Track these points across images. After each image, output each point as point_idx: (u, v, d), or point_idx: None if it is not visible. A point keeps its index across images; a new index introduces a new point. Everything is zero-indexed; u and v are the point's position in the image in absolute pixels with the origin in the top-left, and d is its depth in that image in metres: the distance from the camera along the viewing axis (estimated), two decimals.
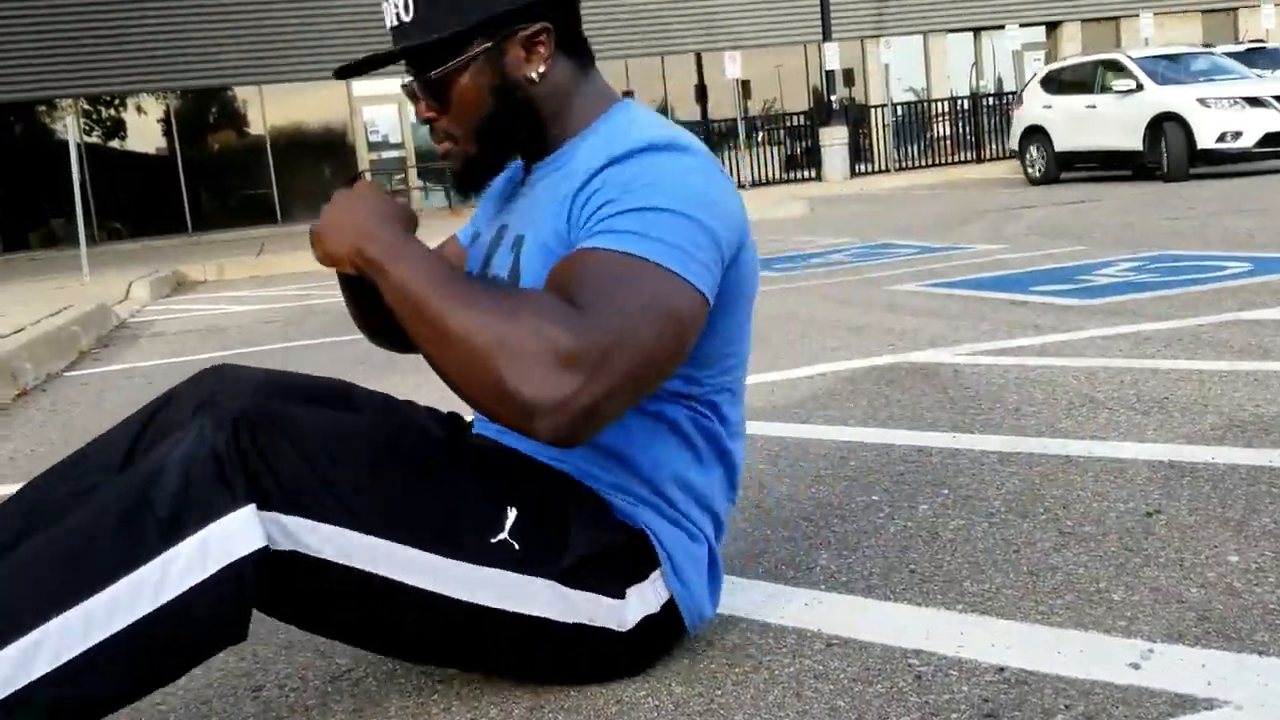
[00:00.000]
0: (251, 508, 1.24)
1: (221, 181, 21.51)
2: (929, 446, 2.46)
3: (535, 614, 1.37)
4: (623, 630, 1.43)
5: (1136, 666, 1.42)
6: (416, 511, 1.33)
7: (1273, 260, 5.18)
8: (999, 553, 1.85)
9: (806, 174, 19.49)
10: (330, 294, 8.04)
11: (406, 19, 1.39)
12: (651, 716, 1.41)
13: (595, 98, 1.48)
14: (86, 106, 20.71)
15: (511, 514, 1.36)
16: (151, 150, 21.15)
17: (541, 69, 1.42)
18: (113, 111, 21.09)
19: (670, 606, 1.48)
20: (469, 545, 1.33)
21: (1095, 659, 1.45)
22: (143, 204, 20.95)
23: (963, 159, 19.79)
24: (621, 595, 1.42)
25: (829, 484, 2.27)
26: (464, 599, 1.34)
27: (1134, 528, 1.89)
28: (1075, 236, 7.36)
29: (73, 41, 19.71)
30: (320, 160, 21.70)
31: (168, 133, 20.98)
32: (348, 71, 1.46)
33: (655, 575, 1.45)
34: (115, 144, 21.23)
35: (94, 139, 20.77)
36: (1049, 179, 14.54)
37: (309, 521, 1.27)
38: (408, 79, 1.45)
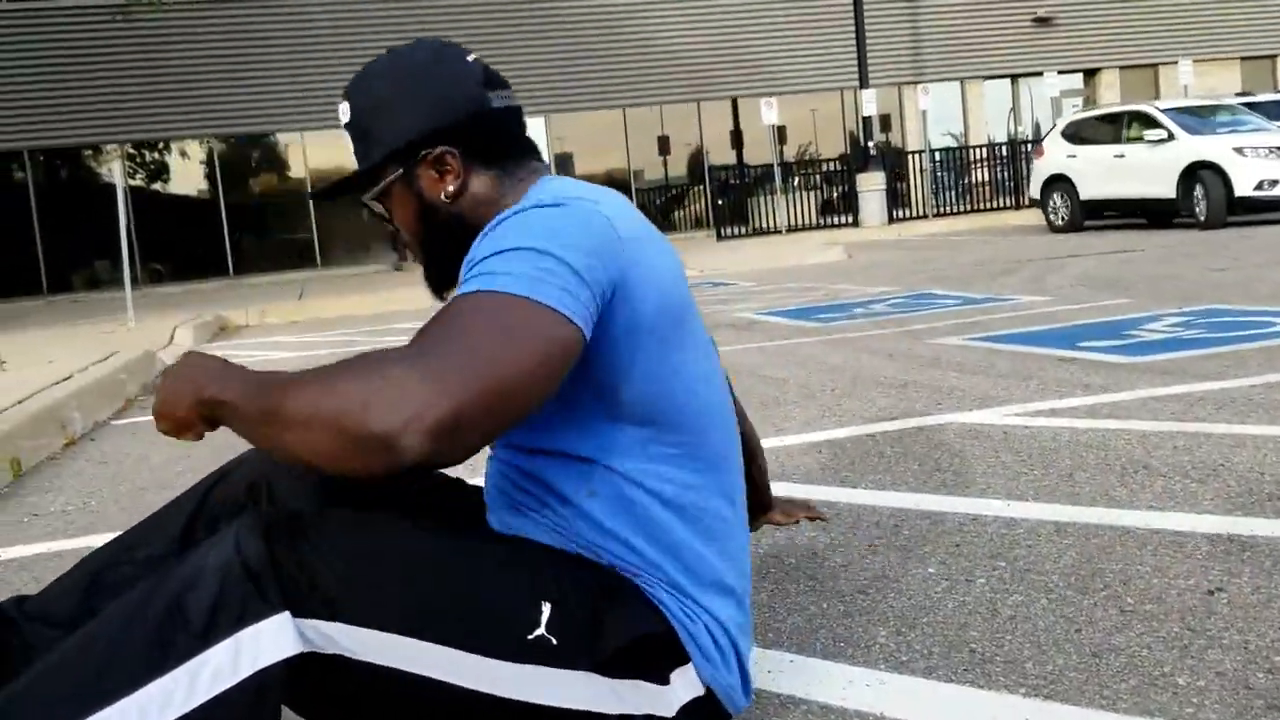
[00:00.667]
0: (286, 615, 1.24)
1: (263, 225, 21.84)
2: (983, 515, 2.44)
3: (578, 707, 1.36)
4: (669, 716, 1.41)
5: None
6: (452, 611, 1.32)
7: None
8: (1060, 631, 1.82)
9: (843, 219, 19.50)
10: (372, 338, 8.11)
11: (351, 151, 1.58)
12: None
13: (519, 191, 1.51)
14: (131, 151, 21.12)
15: (546, 609, 1.35)
16: (194, 194, 21.52)
17: (452, 187, 1.51)
18: (157, 155, 21.51)
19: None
20: (507, 643, 1.33)
21: None
22: (186, 247, 21.28)
23: (1001, 205, 19.73)
24: (665, 680, 1.41)
25: (883, 554, 2.25)
26: (505, 696, 1.33)
27: (1196, 606, 1.86)
28: (1121, 288, 7.31)
29: (119, 88, 20.13)
30: (360, 205, 21.94)
31: (210, 177, 21.34)
32: (319, 195, 1.61)
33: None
34: (159, 187, 21.64)
35: (138, 182, 21.18)
36: (1072, 227, 14.76)
37: (345, 626, 1.27)
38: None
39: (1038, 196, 15.40)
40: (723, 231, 19.14)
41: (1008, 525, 2.35)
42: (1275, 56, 24.38)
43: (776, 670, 1.77)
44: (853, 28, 19.27)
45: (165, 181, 21.70)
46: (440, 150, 1.50)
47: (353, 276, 19.00)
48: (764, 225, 19.32)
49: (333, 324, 10.31)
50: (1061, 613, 1.89)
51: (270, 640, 1.23)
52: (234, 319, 11.86)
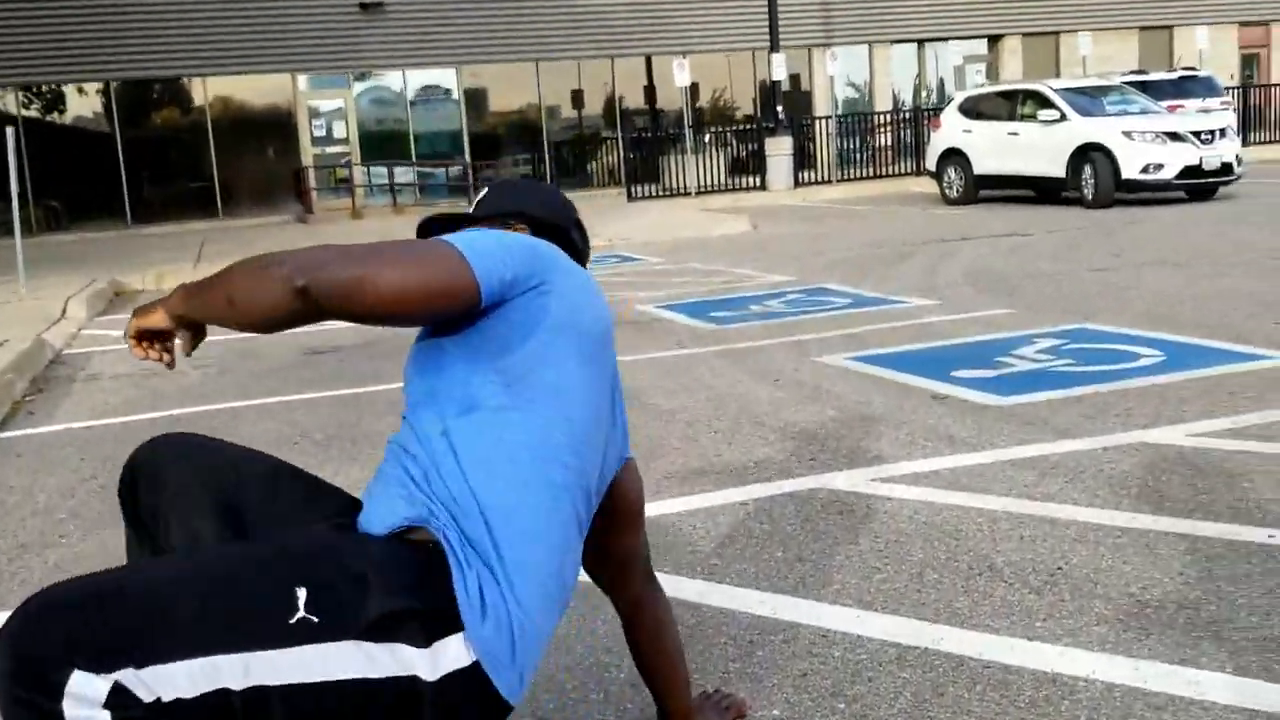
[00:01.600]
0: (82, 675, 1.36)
1: (164, 170, 21.20)
2: (833, 631, 2.59)
3: (346, 677, 1.46)
4: (431, 680, 1.50)
5: None
6: (223, 621, 1.44)
7: (1185, 349, 5.40)
8: None
9: (751, 181, 19.64)
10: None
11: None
12: None
13: None
14: (28, 90, 20.31)
15: (302, 593, 1.47)
16: (91, 131, 20.78)
17: None
18: (54, 90, 20.71)
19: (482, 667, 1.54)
20: (273, 632, 1.45)
21: None
22: (82, 187, 20.57)
23: (903, 171, 20.05)
24: (425, 644, 1.50)
25: (734, 684, 2.39)
26: (288, 683, 1.44)
27: None
28: (1005, 292, 7.57)
29: (10, 29, 19.28)
30: (263, 153, 21.46)
31: (108, 117, 20.61)
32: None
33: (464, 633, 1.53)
34: (56, 120, 20.88)
35: (33, 113, 20.42)
36: (967, 200, 15.18)
37: (145, 670, 1.38)
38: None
39: (934, 169, 15.75)
40: (634, 191, 19.16)
41: (854, 646, 2.51)
42: (1172, 28, 25.01)
43: None
44: None
45: (61, 116, 20.94)
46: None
47: (256, 227, 18.63)
48: (675, 185, 19.37)
49: None
50: None
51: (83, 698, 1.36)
52: (129, 283, 11.60)
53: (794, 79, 22.40)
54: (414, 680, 1.49)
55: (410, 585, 1.51)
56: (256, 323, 1.59)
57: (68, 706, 1.35)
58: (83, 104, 20.77)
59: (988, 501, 3.42)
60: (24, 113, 20.11)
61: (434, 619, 1.51)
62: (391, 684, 1.48)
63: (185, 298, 1.69)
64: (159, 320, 1.72)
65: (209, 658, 1.41)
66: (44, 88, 20.57)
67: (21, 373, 6.41)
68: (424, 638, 1.50)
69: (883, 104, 23.15)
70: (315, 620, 1.46)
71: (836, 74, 20.08)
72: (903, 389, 4.97)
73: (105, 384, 6.42)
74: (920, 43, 23.77)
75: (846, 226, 13.54)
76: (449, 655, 1.51)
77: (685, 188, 19.19)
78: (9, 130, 10.09)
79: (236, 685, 1.42)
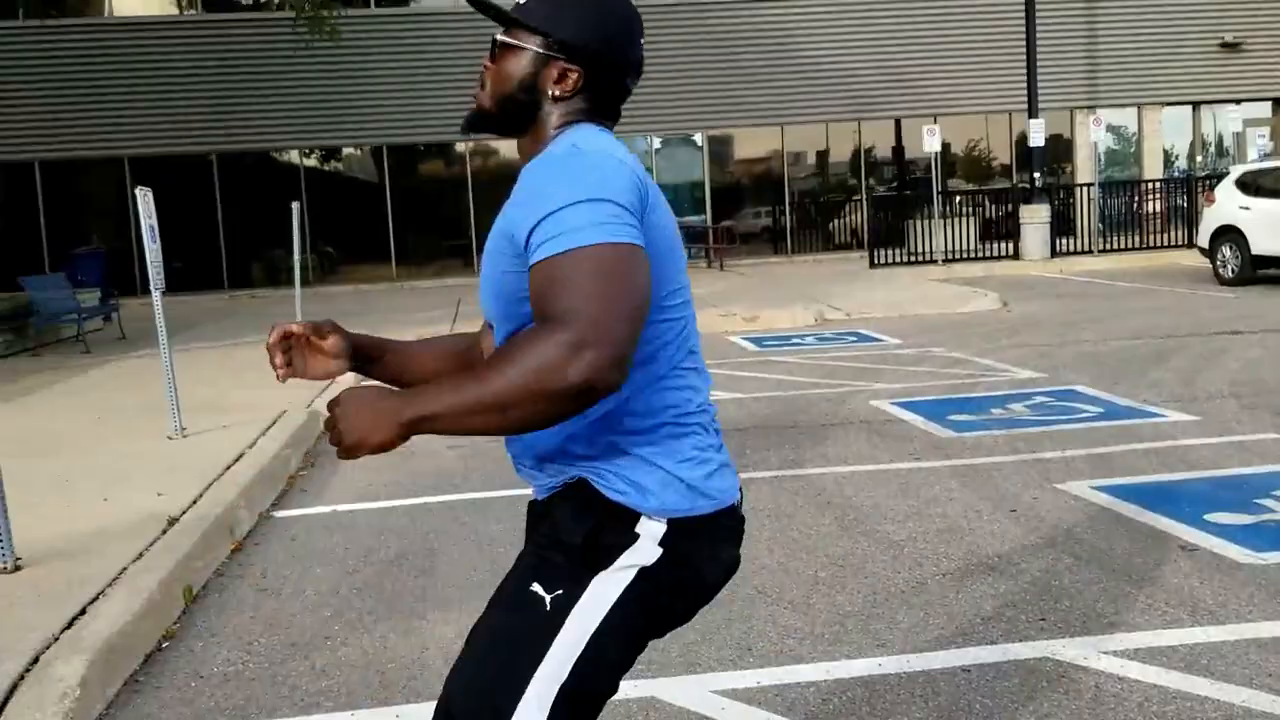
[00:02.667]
0: None
1: (427, 228, 22.69)
2: None
3: (610, 607, 1.72)
4: (649, 563, 1.73)
5: None
6: (513, 652, 1.73)
7: None
8: None
9: (1003, 249, 19.04)
10: None
11: (524, 2, 1.84)
12: None
13: (569, 129, 1.82)
14: (308, 153, 22.25)
15: (536, 586, 1.73)
16: (364, 185, 22.52)
17: (557, 92, 1.82)
18: (331, 155, 22.61)
19: (672, 519, 1.74)
20: (547, 630, 1.71)
21: None
22: (355, 237, 22.30)
23: (1172, 242, 18.95)
24: (633, 539, 1.73)
25: None
26: (586, 656, 1.71)
27: None
28: (1275, 409, 7.07)
29: (297, 100, 21.18)
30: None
31: (379, 171, 22.26)
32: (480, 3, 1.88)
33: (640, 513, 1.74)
34: (335, 174, 22.75)
35: (312, 163, 22.31)
36: (1242, 281, 14.27)
37: None
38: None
39: (1206, 247, 14.86)
40: (877, 256, 18.97)
41: None
42: None
43: None
44: (1023, 48, 18.74)
45: (336, 163, 22.84)
46: (576, 70, 1.81)
47: None
48: (920, 250, 19.04)
49: None
50: None
51: None
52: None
53: (1053, 139, 21.62)
54: (646, 569, 1.72)
55: (579, 514, 1.74)
56: (532, 428, 1.64)
57: None
58: (356, 156, 22.55)
59: (1225, 692, 3.24)
60: (305, 161, 22.01)
61: (615, 521, 1.73)
62: (638, 583, 1.72)
63: (426, 420, 1.60)
64: (388, 439, 1.61)
65: (532, 688, 1.69)
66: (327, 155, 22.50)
67: (298, 447, 7.04)
68: (626, 537, 1.72)
69: (1151, 169, 22.00)
70: (560, 592, 1.72)
71: (1101, 138, 19.23)
72: (1149, 534, 4.75)
73: (369, 461, 6.93)
74: (1195, 105, 22.46)
75: (1105, 308, 12.95)
76: (649, 534, 1.73)
77: (931, 254, 18.83)
78: (295, 205, 11.12)
79: (564, 685, 1.70)
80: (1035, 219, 18.35)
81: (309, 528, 5.54)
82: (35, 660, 3.58)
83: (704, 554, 1.78)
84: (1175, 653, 3.55)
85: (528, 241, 1.65)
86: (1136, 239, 19.23)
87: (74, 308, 13.57)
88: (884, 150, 23.04)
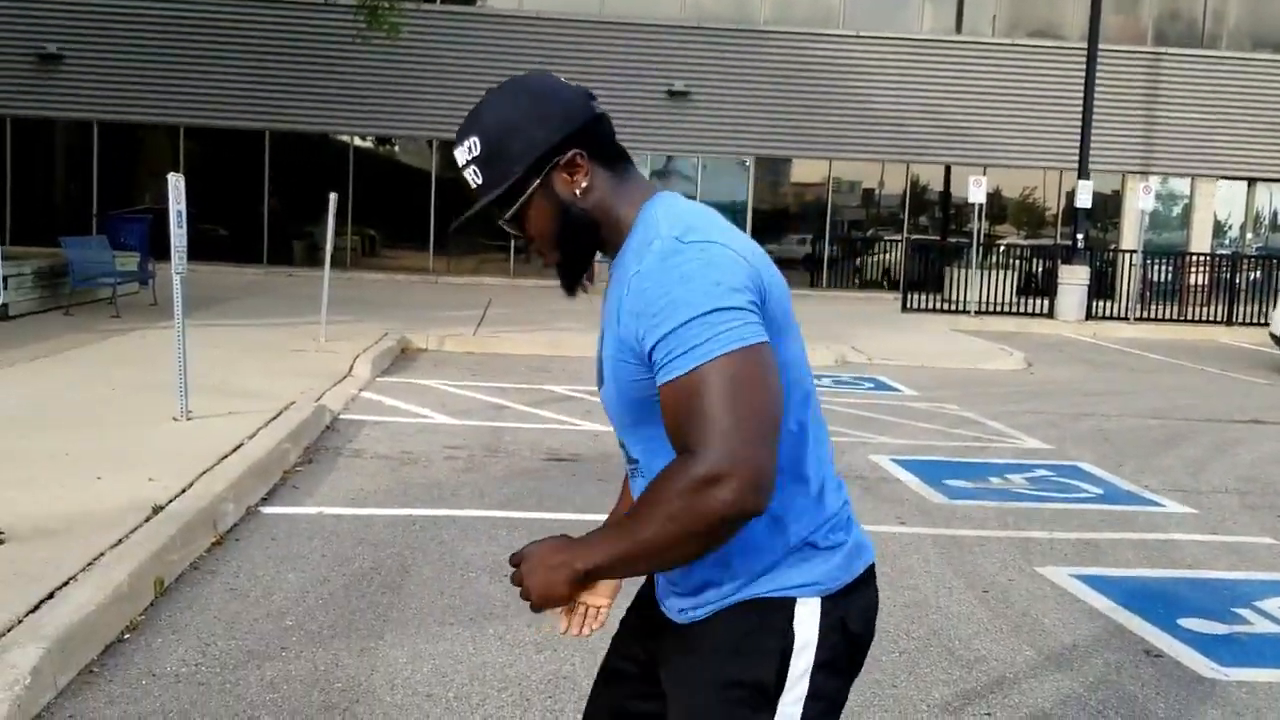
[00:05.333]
0: None
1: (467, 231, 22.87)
2: None
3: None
4: (814, 641, 1.75)
5: None
6: None
7: None
8: None
9: (1039, 306, 18.92)
10: (521, 418, 8.47)
11: (479, 182, 1.81)
12: None
13: (633, 192, 1.82)
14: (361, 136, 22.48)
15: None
16: (412, 172, 22.74)
17: (585, 184, 1.80)
18: (383, 140, 22.85)
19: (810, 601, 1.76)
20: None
21: None
22: (397, 225, 22.52)
23: (1214, 318, 18.74)
24: (791, 638, 1.74)
25: None
26: None
27: None
28: (1277, 509, 6.99)
29: (355, 85, 21.40)
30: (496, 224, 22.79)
31: (428, 170, 22.47)
32: (457, 230, 1.91)
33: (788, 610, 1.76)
34: (381, 151, 22.97)
35: (366, 145, 22.52)
36: None
37: None
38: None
39: (1278, 333, 14.38)
40: (910, 301, 18.90)
41: None
42: None
43: None
44: (1079, 109, 18.62)
45: (387, 147, 23.06)
46: (572, 153, 1.78)
47: (541, 289, 19.68)
48: (955, 299, 18.96)
49: (496, 370, 10.79)
50: None
51: None
52: (415, 341, 12.59)
53: (1101, 201, 21.46)
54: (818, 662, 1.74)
55: (731, 647, 1.77)
56: (695, 558, 1.66)
57: None
58: (408, 145, 22.77)
59: None
60: (356, 143, 22.24)
61: (772, 625, 1.75)
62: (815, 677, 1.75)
63: (593, 573, 1.69)
64: (566, 596, 1.72)
65: None
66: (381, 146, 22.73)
67: (297, 442, 7.13)
68: (784, 640, 1.74)
69: (1200, 238, 21.79)
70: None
71: (1149, 206, 19.06)
72: (1117, 633, 4.72)
73: (366, 463, 7.03)
74: (1251, 181, 22.21)
75: (1129, 381, 12.83)
76: (801, 625, 1.74)
77: (965, 304, 18.74)
78: (333, 196, 11.27)
79: None
80: (1073, 280, 18.21)
81: (291, 529, 5.61)
82: None
83: (855, 609, 1.81)
84: None
85: (650, 356, 1.66)
86: (1176, 311, 19.03)
87: (109, 271, 13.80)
88: (933, 193, 22.97)
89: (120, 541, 4.73)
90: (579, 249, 1.85)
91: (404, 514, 5.95)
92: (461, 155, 1.81)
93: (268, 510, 5.93)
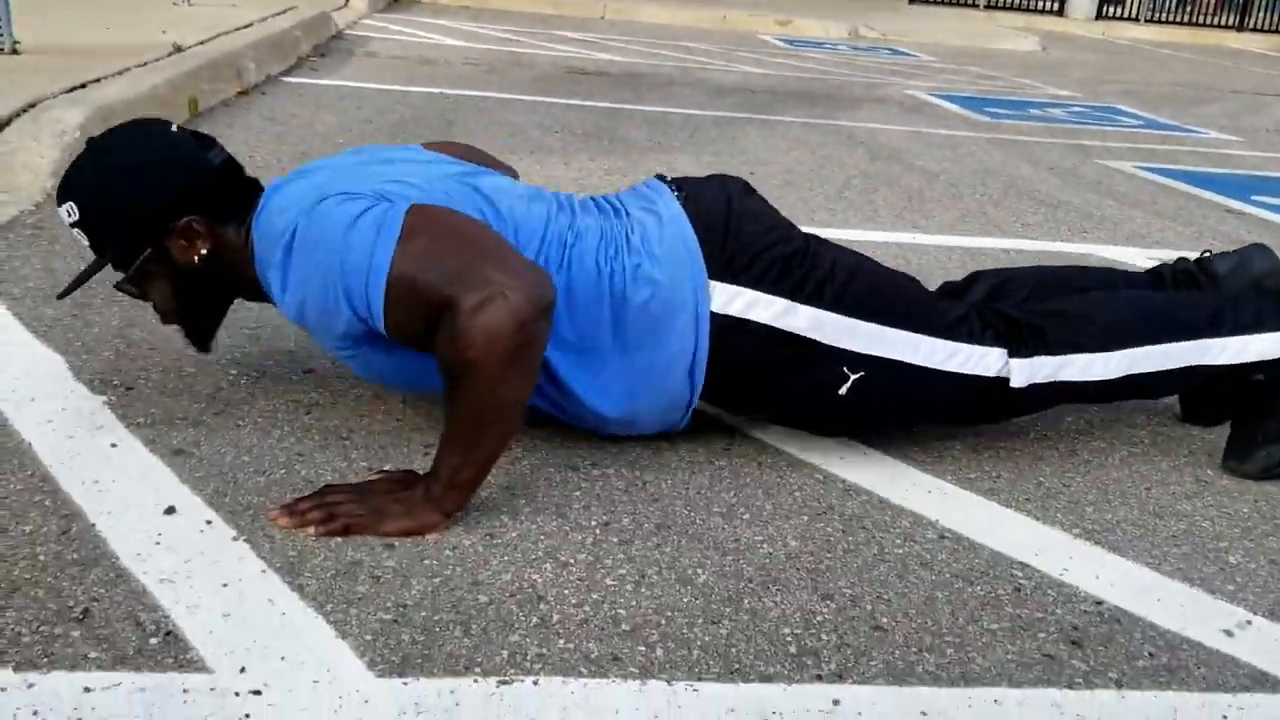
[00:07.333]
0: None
1: None
2: None
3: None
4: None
5: (1230, 634, 1.48)
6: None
7: None
8: (1129, 485, 1.89)
9: (1048, 5, 18.17)
10: (536, 48, 8.06)
11: (87, 244, 1.64)
12: (765, 562, 1.55)
13: (258, 229, 1.63)
14: None
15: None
16: None
17: (205, 250, 1.63)
18: None
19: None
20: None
21: (1192, 617, 1.51)
22: None
23: (1224, 23, 18.15)
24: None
25: None
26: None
27: (1275, 494, 1.90)
28: None
29: None
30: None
31: None
32: (66, 294, 1.69)
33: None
34: None
35: None
36: None
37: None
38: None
39: None
40: None
41: None
42: None
43: (848, 459, 1.88)
44: None
45: None
46: (185, 220, 1.60)
47: None
48: None
49: (499, 18, 10.21)
50: (1137, 468, 1.95)
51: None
52: None
53: None
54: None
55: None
56: (523, 392, 1.51)
57: None
58: None
59: None
60: None
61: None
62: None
63: (461, 494, 1.54)
64: (439, 523, 1.54)
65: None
66: None
67: (307, 34, 6.67)
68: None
69: None
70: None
71: None
72: (1195, 199, 4.57)
73: (382, 60, 6.62)
74: None
75: (1148, 66, 12.43)
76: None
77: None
78: None
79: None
80: None
81: (319, 92, 5.26)
82: (33, 104, 3.37)
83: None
84: None
85: (359, 313, 1.51)
86: (1187, 14, 18.37)
87: None
88: None
89: (147, 64, 4.38)
90: (205, 311, 1.73)
91: (438, 91, 5.60)
92: (65, 216, 1.61)
93: (290, 79, 5.55)
